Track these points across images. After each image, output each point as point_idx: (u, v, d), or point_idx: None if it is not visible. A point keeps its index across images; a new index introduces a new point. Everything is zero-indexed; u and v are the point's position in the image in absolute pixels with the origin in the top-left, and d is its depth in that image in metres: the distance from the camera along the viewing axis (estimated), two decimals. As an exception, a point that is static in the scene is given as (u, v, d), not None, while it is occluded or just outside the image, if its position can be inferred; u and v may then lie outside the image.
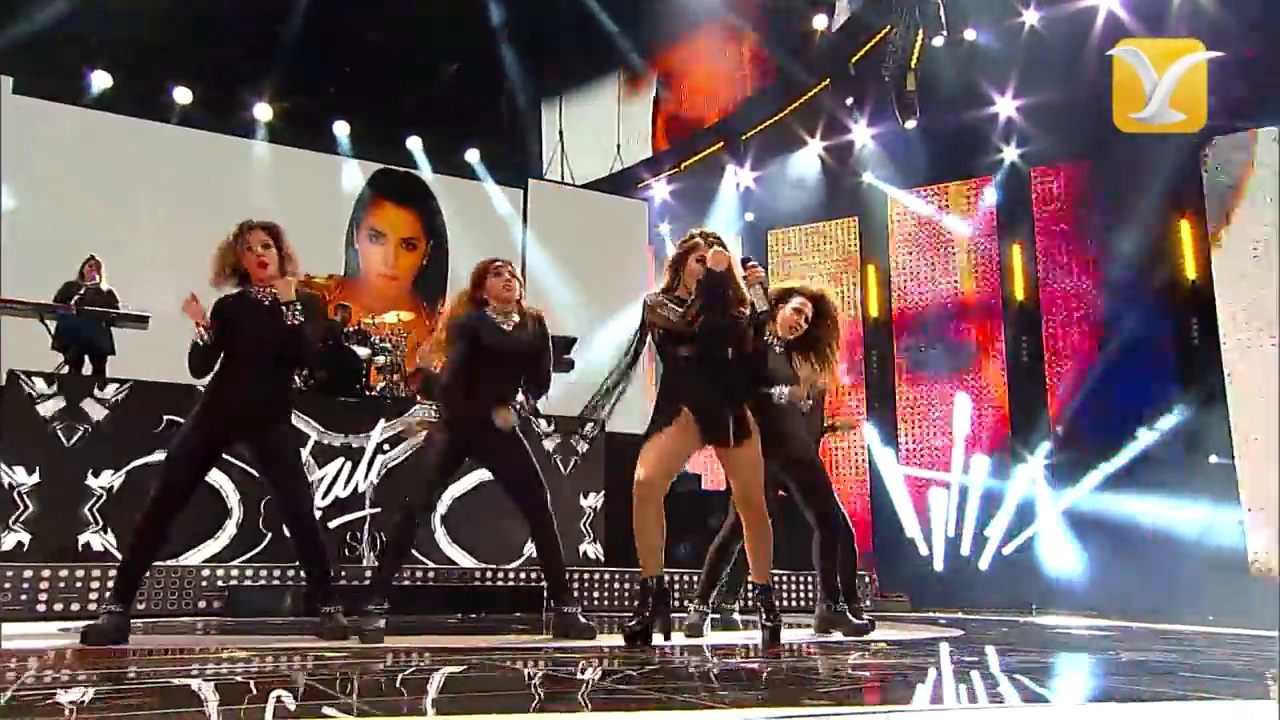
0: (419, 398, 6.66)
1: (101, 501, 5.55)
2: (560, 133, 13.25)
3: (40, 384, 5.59)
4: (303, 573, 3.78)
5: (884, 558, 10.33)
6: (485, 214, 11.83)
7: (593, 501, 6.74)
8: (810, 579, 6.88)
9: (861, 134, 11.68)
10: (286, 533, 5.36)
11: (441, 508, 6.23)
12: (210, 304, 3.56)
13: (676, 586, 6.48)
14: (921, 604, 8.97)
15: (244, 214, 3.72)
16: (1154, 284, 9.29)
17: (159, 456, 5.53)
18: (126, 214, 9.52)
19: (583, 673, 2.57)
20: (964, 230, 10.99)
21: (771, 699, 2.16)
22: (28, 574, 4.92)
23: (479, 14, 10.80)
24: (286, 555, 5.60)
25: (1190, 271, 9.17)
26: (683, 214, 13.00)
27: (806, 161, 12.18)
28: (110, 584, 4.99)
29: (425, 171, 11.66)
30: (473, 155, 11.89)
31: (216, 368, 3.55)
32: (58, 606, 4.91)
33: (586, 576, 6.27)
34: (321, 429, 6.13)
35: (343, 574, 5.38)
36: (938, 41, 9.84)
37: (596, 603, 6.20)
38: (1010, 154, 10.63)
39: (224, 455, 3.87)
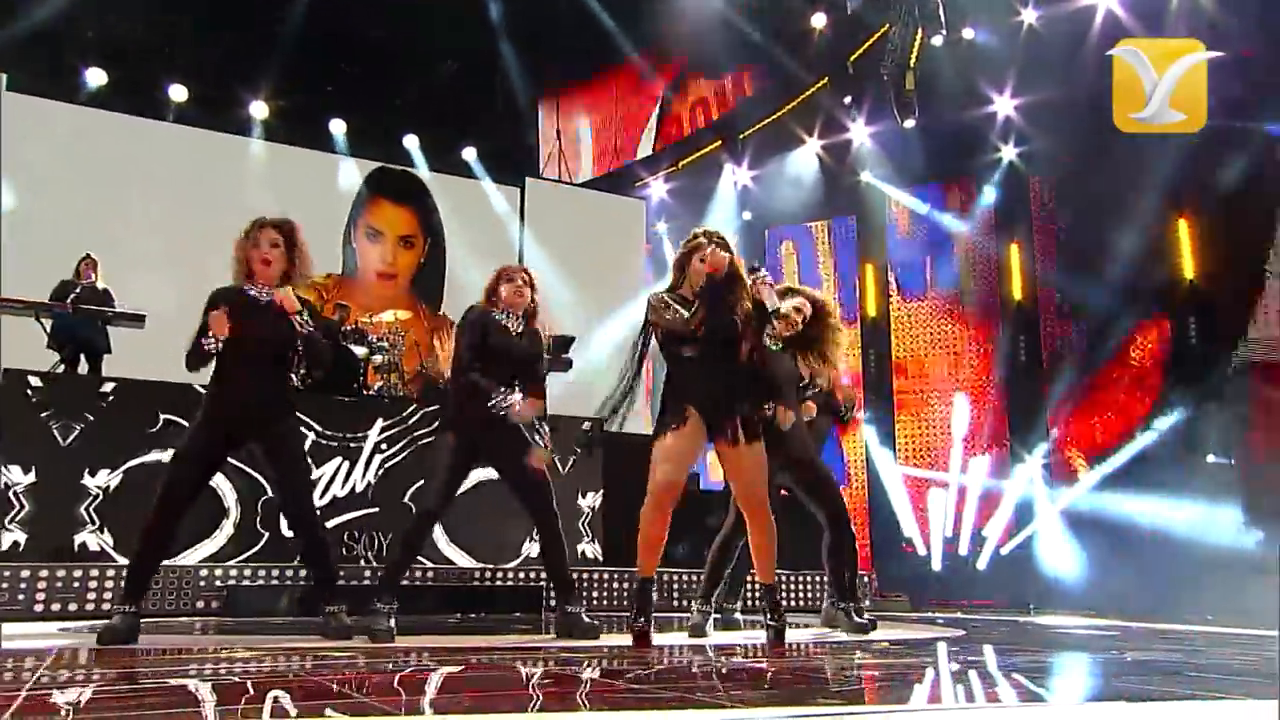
0: (419, 402, 6.64)
1: (98, 501, 5.51)
2: (558, 131, 13.22)
3: (36, 383, 5.55)
4: (306, 571, 3.75)
5: (882, 557, 10.33)
6: (483, 212, 11.80)
7: (591, 501, 6.72)
8: (810, 578, 6.89)
9: (860, 133, 11.68)
10: (287, 532, 5.37)
11: (441, 508, 6.18)
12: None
13: (676, 586, 6.49)
14: (919, 604, 8.96)
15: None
16: (1152, 284, 9.29)
17: (155, 456, 5.51)
18: (122, 212, 9.47)
19: (590, 672, 2.55)
20: (962, 229, 10.99)
21: (780, 698, 2.14)
22: (25, 574, 4.90)
23: (476, 12, 10.76)
24: (284, 555, 5.58)
25: (1188, 271, 9.18)
26: (680, 213, 12.99)
27: (804, 160, 12.19)
28: (108, 584, 5.02)
29: (422, 170, 11.62)
30: (470, 153, 11.86)
31: (214, 367, 3.50)
32: (55, 606, 4.88)
33: (585, 576, 6.26)
34: (319, 428, 6.10)
35: (341, 574, 5.34)
36: (936, 40, 9.83)
37: (595, 602, 6.19)
38: (1009, 153, 10.64)
39: (230, 459, 3.84)
